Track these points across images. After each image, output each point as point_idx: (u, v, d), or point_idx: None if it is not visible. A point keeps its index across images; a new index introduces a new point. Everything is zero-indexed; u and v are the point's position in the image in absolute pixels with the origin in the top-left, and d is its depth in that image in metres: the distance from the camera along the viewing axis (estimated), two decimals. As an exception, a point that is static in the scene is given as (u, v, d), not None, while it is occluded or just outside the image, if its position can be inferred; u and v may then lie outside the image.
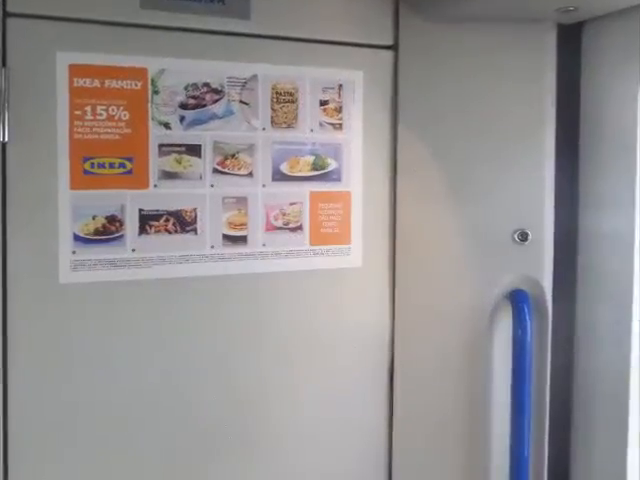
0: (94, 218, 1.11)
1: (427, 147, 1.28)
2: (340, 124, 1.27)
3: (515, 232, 1.28)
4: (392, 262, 1.32)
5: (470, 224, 1.29)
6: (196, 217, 1.17)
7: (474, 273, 1.29)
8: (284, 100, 1.22)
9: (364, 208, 1.29)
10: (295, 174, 1.24)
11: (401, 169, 1.30)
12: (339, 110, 1.27)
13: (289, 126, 1.23)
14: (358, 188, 1.29)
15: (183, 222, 1.16)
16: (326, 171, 1.26)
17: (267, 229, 1.23)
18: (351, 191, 1.29)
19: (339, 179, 1.28)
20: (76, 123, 1.08)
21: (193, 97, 1.16)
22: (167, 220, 1.15)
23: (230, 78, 1.18)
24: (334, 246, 1.28)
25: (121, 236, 1.12)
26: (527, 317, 1.26)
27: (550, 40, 1.29)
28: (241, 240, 1.21)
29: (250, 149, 1.20)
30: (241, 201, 1.20)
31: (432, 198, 1.29)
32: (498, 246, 1.29)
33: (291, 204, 1.24)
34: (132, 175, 1.12)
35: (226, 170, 1.19)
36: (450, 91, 1.28)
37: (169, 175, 1.15)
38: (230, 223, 1.20)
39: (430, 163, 1.28)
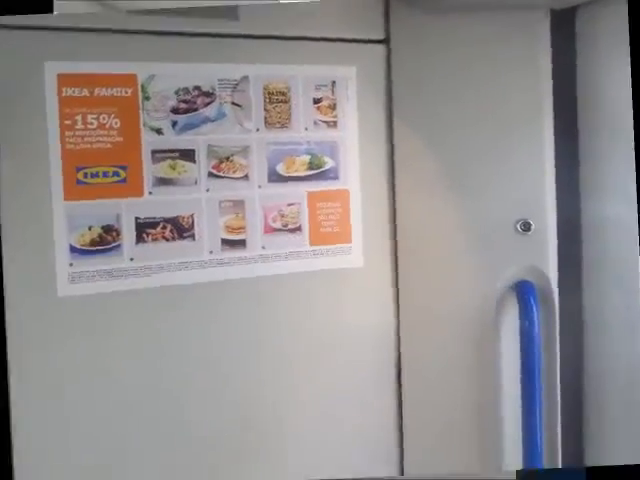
0: (90, 228, 1.09)
1: (424, 140, 1.26)
2: (335, 122, 1.25)
3: (517, 222, 1.26)
4: (394, 260, 1.30)
5: (471, 216, 1.27)
6: (193, 223, 1.15)
7: (478, 266, 1.27)
8: (277, 100, 1.21)
9: (363, 206, 1.28)
10: (291, 174, 1.23)
11: (399, 164, 1.29)
12: (333, 107, 1.25)
13: (283, 126, 1.22)
14: (356, 185, 1.27)
15: (180, 228, 1.15)
16: (323, 170, 1.25)
17: (266, 231, 1.21)
18: (349, 189, 1.27)
19: (336, 177, 1.26)
20: (67, 133, 1.07)
21: (184, 101, 1.15)
22: (164, 227, 1.14)
23: (221, 80, 1.17)
24: (334, 246, 1.26)
25: (118, 246, 1.11)
26: (533, 308, 1.25)
27: (544, 27, 1.28)
28: (240, 244, 1.19)
29: (244, 151, 1.19)
30: (238, 204, 1.19)
31: (431, 192, 1.28)
32: (501, 237, 1.27)
33: (289, 205, 1.23)
34: (126, 183, 1.11)
35: (221, 174, 1.17)
36: (445, 83, 1.26)
37: (164, 181, 1.14)
38: (228, 227, 1.18)
39: (428, 156, 1.27)
